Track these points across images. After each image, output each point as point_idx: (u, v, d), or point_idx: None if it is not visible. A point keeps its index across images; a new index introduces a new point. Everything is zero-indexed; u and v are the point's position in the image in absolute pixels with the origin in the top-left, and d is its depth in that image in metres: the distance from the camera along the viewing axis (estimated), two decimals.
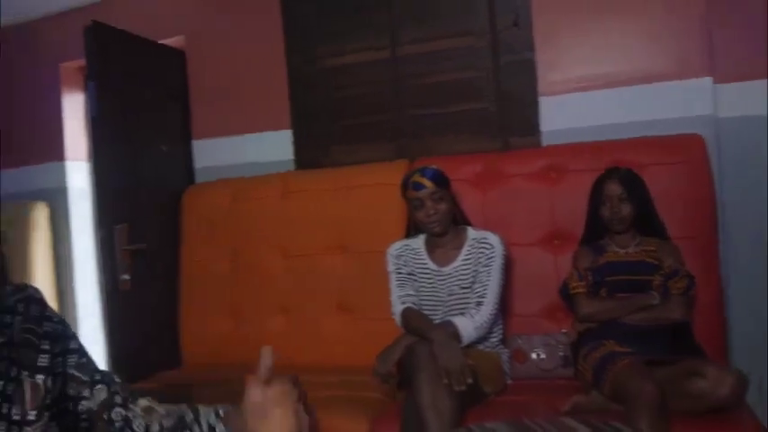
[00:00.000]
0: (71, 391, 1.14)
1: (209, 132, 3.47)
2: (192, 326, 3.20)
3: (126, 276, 2.94)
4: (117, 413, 1.16)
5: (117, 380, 1.21)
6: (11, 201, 3.97)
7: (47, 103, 3.93)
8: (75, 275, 3.88)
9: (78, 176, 3.91)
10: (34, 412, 1.06)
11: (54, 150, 3.92)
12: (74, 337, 1.19)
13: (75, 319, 3.88)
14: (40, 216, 3.85)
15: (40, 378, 1.08)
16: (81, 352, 1.19)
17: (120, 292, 2.92)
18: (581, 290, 2.26)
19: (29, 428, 1.04)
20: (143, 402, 1.19)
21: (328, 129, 3.22)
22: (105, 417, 1.16)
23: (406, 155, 2.98)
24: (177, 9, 3.55)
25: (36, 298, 1.15)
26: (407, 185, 2.36)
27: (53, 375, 1.11)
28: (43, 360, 1.10)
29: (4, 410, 1.02)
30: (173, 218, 3.29)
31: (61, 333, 1.16)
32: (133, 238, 2.99)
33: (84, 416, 1.15)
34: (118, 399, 1.18)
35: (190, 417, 1.19)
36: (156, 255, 3.14)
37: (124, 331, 2.93)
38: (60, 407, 1.13)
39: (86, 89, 2.94)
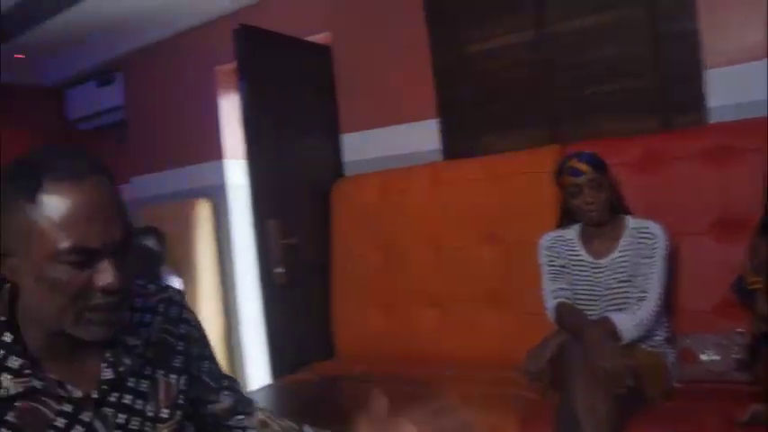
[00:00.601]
0: (200, 395, 1.17)
1: (357, 126, 3.49)
2: (344, 318, 3.25)
3: (280, 270, 3.02)
4: (237, 421, 1.20)
5: (241, 389, 1.24)
6: (176, 199, 4.26)
7: (206, 105, 4.15)
8: (236, 270, 4.08)
9: (238, 174, 4.10)
10: (167, 410, 1.09)
11: (214, 150, 4.14)
12: (208, 343, 1.22)
13: (236, 312, 4.08)
14: (203, 213, 4.09)
15: (173, 377, 1.12)
16: (212, 358, 1.21)
17: (275, 285, 3.01)
18: (760, 285, 2.01)
19: (162, 425, 1.07)
20: (261, 416, 1.22)
21: (476, 116, 3.12)
22: (227, 423, 1.19)
23: (557, 140, 2.82)
24: (323, 7, 3.59)
25: (176, 300, 1.18)
26: (563, 171, 2.22)
27: (188, 376, 1.14)
28: (178, 360, 1.13)
29: (138, 406, 1.05)
30: (323, 212, 3.35)
31: (197, 337, 1.19)
32: (286, 233, 3.07)
33: (209, 419, 1.18)
34: (240, 407, 1.21)
35: None
36: (309, 248, 3.21)
37: (280, 323, 3.02)
38: (192, 408, 1.16)
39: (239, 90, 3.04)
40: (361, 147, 3.47)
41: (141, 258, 3.55)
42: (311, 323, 3.21)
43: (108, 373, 1.01)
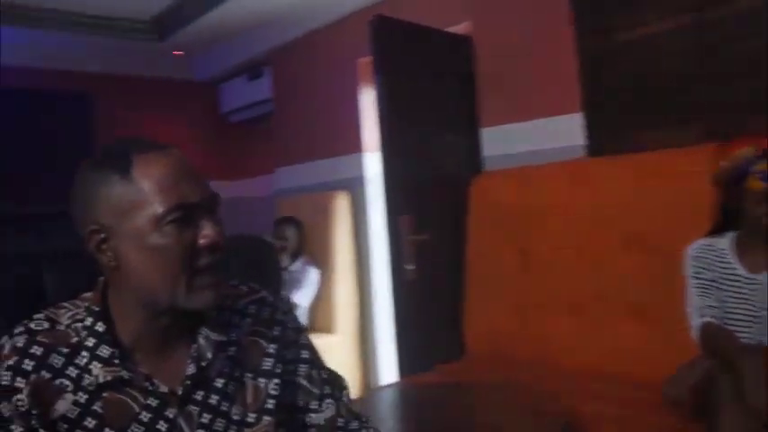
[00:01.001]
0: (300, 402, 1.11)
1: (497, 119, 3.34)
2: (475, 320, 3.13)
3: (410, 266, 2.96)
4: None
5: (345, 398, 1.16)
6: (317, 190, 4.33)
7: (348, 98, 4.18)
8: (373, 263, 4.08)
9: (378, 167, 4.08)
10: (254, 415, 1.04)
11: (355, 142, 4.16)
12: (307, 346, 1.15)
13: (371, 307, 4.08)
14: (343, 205, 4.11)
15: (262, 381, 1.07)
16: (313, 363, 1.15)
17: (405, 282, 2.95)
18: None
19: (248, 430, 1.03)
20: None
21: (624, 110, 2.88)
22: None
23: (715, 136, 2.53)
24: None
25: (268, 302, 1.13)
26: (745, 172, 1.91)
27: (282, 382, 1.09)
28: (268, 364, 1.08)
29: (224, 408, 1.02)
30: (458, 208, 3.24)
31: (293, 340, 1.13)
32: (418, 228, 3.00)
33: (311, 430, 1.11)
34: (344, 421, 1.13)
35: None
36: (441, 245, 3.12)
37: (409, 320, 2.96)
38: (291, 415, 1.11)
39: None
40: (501, 141, 3.33)
41: (257, 251, 3.62)
42: (441, 322, 3.12)
43: (191, 368, 0.99)
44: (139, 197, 0.92)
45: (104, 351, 0.95)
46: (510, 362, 2.84)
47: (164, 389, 0.97)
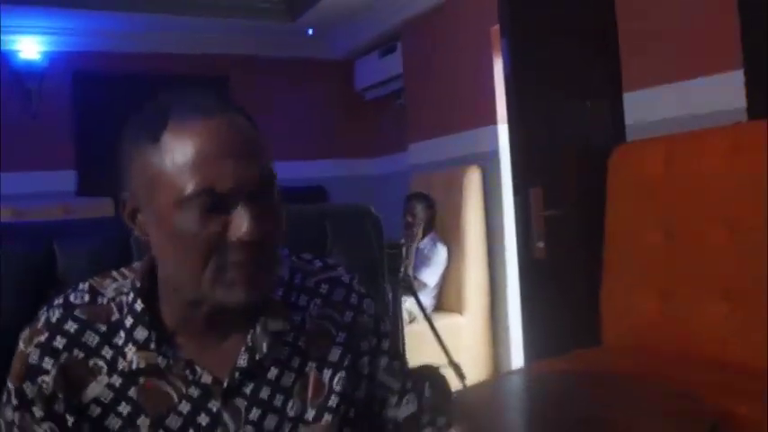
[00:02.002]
0: (375, 396, 0.94)
1: (642, 82, 3.00)
2: (614, 303, 2.84)
3: (541, 244, 2.74)
4: None
5: (428, 394, 0.98)
6: (450, 165, 4.17)
7: (480, 69, 3.98)
8: (505, 241, 3.86)
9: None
10: (314, 411, 0.88)
11: (488, 114, 3.95)
12: (387, 335, 0.98)
13: (503, 287, 3.87)
14: (474, 181, 3.93)
15: (327, 373, 0.90)
16: (393, 354, 0.98)
17: (534, 260, 2.74)
18: None
19: (305, 428, 0.87)
20: None
21: None
22: None
23: None
24: None
25: (343, 281, 0.96)
26: None
27: (351, 376, 0.92)
28: (336, 354, 0.91)
29: (277, 402, 0.87)
30: (596, 181, 2.95)
31: (371, 329, 0.96)
32: (549, 203, 2.77)
33: (389, 426, 0.95)
34: (426, 418, 0.95)
35: None
36: (575, 221, 2.86)
37: (538, 301, 2.76)
38: (365, 412, 0.96)
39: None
40: (648, 106, 2.98)
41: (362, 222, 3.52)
42: (574, 305, 2.87)
43: (243, 360, 0.86)
44: (165, 170, 0.78)
45: (141, 333, 0.85)
46: (652, 352, 2.55)
47: (207, 379, 0.85)
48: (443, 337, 3.07)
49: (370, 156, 5.67)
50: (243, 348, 0.86)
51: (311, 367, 0.91)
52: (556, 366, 2.57)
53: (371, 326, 0.97)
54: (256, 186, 0.80)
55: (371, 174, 5.61)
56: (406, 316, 3.35)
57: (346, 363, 0.93)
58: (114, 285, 0.89)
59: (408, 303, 3.34)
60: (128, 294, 0.87)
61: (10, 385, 0.84)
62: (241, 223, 0.78)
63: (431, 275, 3.76)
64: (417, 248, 3.81)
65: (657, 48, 2.93)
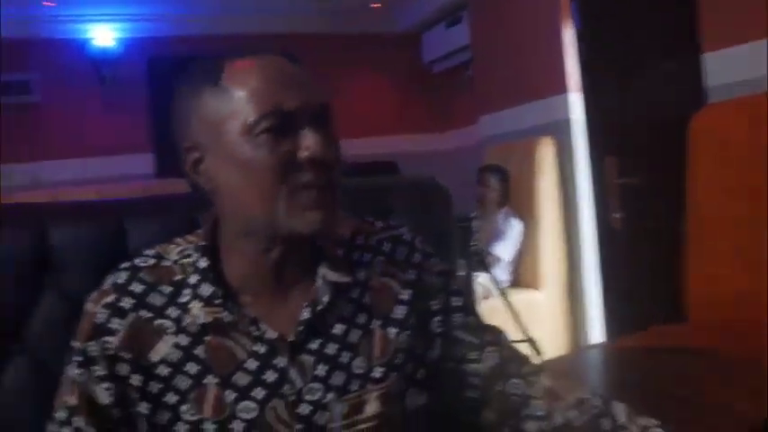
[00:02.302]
0: (457, 354, 0.94)
1: (725, 41, 2.83)
2: (696, 276, 2.72)
3: (618, 214, 2.65)
4: (514, 386, 0.92)
5: (510, 344, 0.97)
6: (522, 136, 4.07)
7: (550, 36, 3.84)
8: (580, 213, 3.75)
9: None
10: (381, 369, 0.88)
11: (560, 83, 3.81)
12: (458, 293, 0.98)
13: (580, 261, 3.77)
14: (547, 152, 3.81)
15: (392, 331, 0.91)
16: (467, 309, 0.97)
17: (611, 231, 2.66)
18: None
19: (372, 387, 0.87)
20: (545, 382, 0.93)
21: None
22: (500, 388, 0.93)
23: None
24: None
25: (405, 240, 0.97)
26: None
27: (425, 336, 0.93)
28: (401, 311, 0.92)
29: (344, 359, 0.87)
30: (675, 148, 2.82)
31: (440, 287, 0.96)
32: (627, 172, 2.67)
33: (474, 381, 0.94)
34: (512, 368, 0.94)
35: (609, 424, 0.88)
36: (653, 190, 2.75)
37: (616, 274, 2.68)
38: (438, 371, 0.95)
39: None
40: (732, 67, 2.81)
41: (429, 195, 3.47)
42: (655, 278, 2.77)
43: (306, 313, 0.87)
44: (230, 107, 0.82)
45: (206, 290, 0.86)
46: (738, 329, 2.43)
47: (272, 335, 0.86)
48: (520, 313, 3.02)
49: (440, 130, 5.60)
50: (305, 303, 0.88)
51: (376, 324, 0.91)
52: (635, 342, 2.50)
53: (440, 284, 0.97)
54: (319, 108, 0.84)
55: (442, 148, 5.55)
56: (480, 291, 3.31)
57: (412, 321, 0.93)
58: (178, 249, 0.92)
59: (482, 278, 3.29)
60: (192, 256, 0.90)
61: (77, 344, 0.86)
62: (310, 143, 0.81)
63: (505, 250, 3.69)
64: (491, 222, 3.74)
65: (738, 3, 2.75)
